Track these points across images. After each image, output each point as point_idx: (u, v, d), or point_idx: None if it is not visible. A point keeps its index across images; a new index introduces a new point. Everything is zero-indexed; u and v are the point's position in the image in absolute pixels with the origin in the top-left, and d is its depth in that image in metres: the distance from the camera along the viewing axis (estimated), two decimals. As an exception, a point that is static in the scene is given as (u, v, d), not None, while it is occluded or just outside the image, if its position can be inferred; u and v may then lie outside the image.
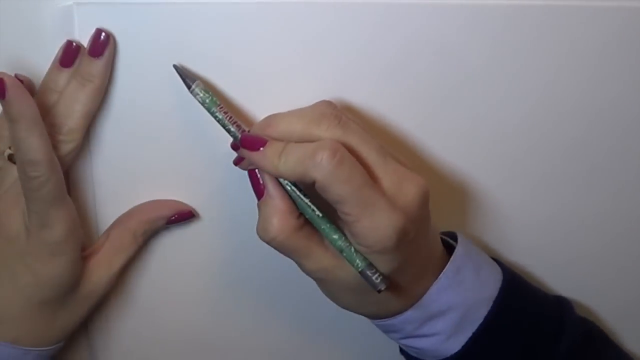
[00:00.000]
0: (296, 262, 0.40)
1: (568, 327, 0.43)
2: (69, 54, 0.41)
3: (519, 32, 0.43)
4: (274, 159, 0.37)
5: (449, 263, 0.41)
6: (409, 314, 0.41)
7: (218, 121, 0.40)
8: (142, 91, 0.43)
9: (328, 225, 0.38)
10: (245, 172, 0.42)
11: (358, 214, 0.36)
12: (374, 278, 0.38)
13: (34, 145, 0.38)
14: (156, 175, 0.45)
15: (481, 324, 0.41)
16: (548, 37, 0.44)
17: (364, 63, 0.43)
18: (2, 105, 0.38)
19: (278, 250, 0.39)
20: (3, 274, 0.41)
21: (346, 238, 0.38)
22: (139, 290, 0.48)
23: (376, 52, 0.43)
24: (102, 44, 0.40)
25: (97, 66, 0.40)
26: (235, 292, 0.49)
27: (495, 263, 0.45)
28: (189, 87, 0.40)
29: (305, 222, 0.39)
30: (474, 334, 0.41)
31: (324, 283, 0.41)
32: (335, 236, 0.38)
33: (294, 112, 0.39)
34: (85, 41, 0.41)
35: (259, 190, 0.39)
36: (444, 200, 0.47)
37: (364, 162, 0.37)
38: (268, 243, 0.39)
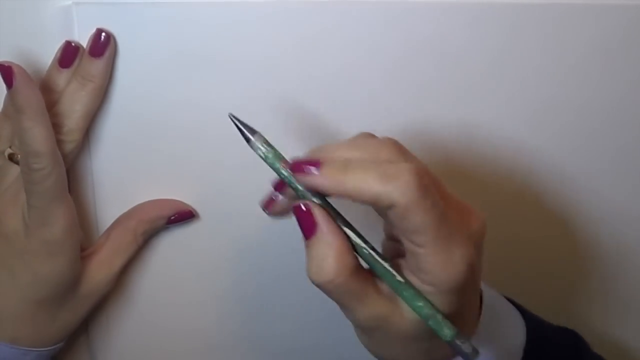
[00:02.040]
0: (346, 309, 0.35)
1: None
2: (68, 54, 0.41)
3: (522, 30, 0.44)
4: (337, 174, 0.32)
5: (481, 315, 0.38)
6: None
7: (283, 178, 0.35)
8: (141, 91, 0.43)
9: (411, 291, 0.34)
10: (245, 172, 0.42)
11: (434, 246, 0.32)
12: (463, 347, 0.34)
13: (39, 135, 0.38)
14: (156, 175, 0.45)
15: None
16: (552, 35, 0.44)
17: (367, 62, 0.43)
18: (9, 94, 0.38)
19: (330, 295, 0.35)
20: (1, 273, 0.41)
21: (431, 305, 0.34)
22: (139, 290, 0.48)
23: (379, 52, 0.43)
24: (103, 44, 0.40)
25: (97, 66, 0.40)
26: (235, 292, 0.49)
27: (513, 306, 0.42)
28: (247, 140, 0.35)
29: (359, 263, 0.35)
30: None
31: (375, 333, 0.36)
32: (420, 303, 0.34)
33: (344, 140, 0.35)
34: (84, 41, 0.41)
35: (308, 226, 0.34)
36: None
37: None
38: (321, 286, 0.34)
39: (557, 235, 0.50)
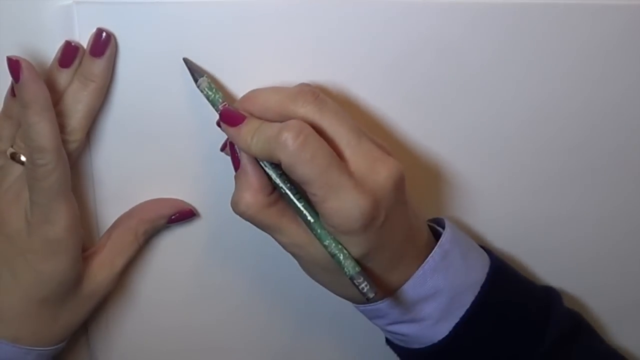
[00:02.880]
0: (271, 235, 0.40)
1: (555, 317, 0.43)
2: (68, 54, 0.41)
3: (521, 30, 0.43)
4: (247, 137, 0.37)
5: (436, 247, 0.41)
6: (394, 298, 0.40)
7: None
8: (141, 91, 0.42)
9: (321, 230, 0.38)
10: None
11: (323, 195, 0.36)
12: (361, 285, 0.37)
13: (44, 131, 0.38)
14: (156, 175, 0.45)
15: (468, 310, 0.41)
16: (551, 35, 0.44)
17: (367, 61, 0.43)
18: (16, 89, 0.38)
19: (250, 222, 0.40)
20: (4, 272, 0.41)
21: (337, 244, 0.38)
22: (139, 290, 0.48)
23: (380, 51, 0.43)
24: (104, 44, 0.40)
25: (98, 66, 0.41)
26: (235, 292, 0.49)
27: (482, 250, 0.44)
28: (195, 81, 0.40)
29: (279, 198, 0.39)
30: (461, 319, 0.41)
31: (299, 258, 0.41)
32: (326, 242, 0.38)
33: (273, 88, 0.40)
34: (85, 41, 0.41)
35: (235, 163, 0.40)
36: (440, 193, 0.48)
37: (336, 142, 0.37)
38: (239, 215, 0.39)
39: (557, 235, 0.50)
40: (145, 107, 0.43)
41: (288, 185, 0.39)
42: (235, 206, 0.39)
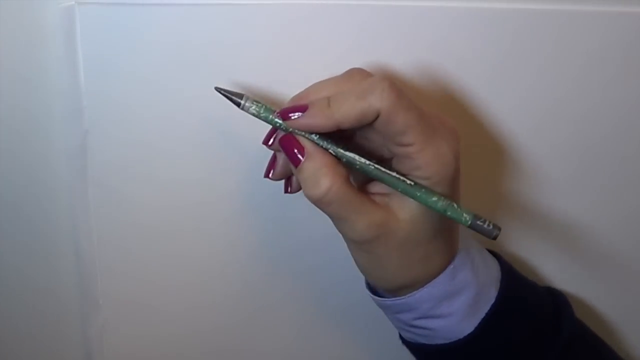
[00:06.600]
0: (346, 222, 0.38)
1: (565, 311, 0.44)
2: None
3: (524, 37, 0.43)
4: (324, 110, 0.36)
5: (459, 242, 0.41)
6: (426, 290, 0.40)
7: (278, 127, 0.38)
8: (142, 91, 0.42)
9: (423, 190, 0.36)
10: (245, 173, 0.42)
11: (423, 141, 0.36)
12: (485, 225, 0.36)
13: None
14: (154, 176, 0.45)
15: (493, 304, 0.41)
16: (554, 42, 0.44)
17: (369, 67, 0.43)
18: None
19: (329, 208, 0.37)
20: None
21: (445, 198, 0.36)
22: (139, 290, 0.47)
23: (381, 57, 0.43)
24: None
25: None
26: (233, 296, 0.49)
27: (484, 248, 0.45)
28: (237, 104, 0.38)
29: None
30: (487, 314, 0.41)
31: (374, 245, 0.38)
32: (435, 198, 0.36)
33: (320, 81, 0.39)
34: (86, 41, 0.40)
35: (298, 150, 0.37)
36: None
37: None
38: (321, 199, 0.37)
39: (562, 241, 0.50)
40: (144, 107, 0.43)
41: (374, 160, 0.37)
42: (316, 187, 0.36)
